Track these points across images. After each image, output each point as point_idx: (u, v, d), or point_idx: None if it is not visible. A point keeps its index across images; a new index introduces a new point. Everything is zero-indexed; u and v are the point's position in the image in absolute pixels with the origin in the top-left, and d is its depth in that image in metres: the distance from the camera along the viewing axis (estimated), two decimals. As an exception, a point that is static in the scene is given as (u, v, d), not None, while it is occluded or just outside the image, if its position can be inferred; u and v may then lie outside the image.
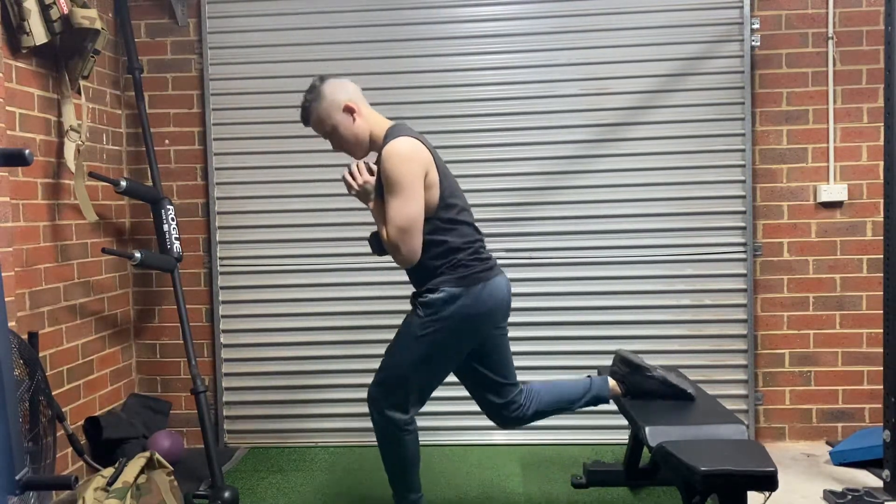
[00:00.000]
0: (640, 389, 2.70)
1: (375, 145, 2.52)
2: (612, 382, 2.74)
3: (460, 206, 2.51)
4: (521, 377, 3.70)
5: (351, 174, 2.48)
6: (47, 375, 2.83)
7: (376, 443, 2.59)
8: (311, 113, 2.53)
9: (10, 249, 2.66)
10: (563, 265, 3.60)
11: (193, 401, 3.26)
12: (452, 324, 2.45)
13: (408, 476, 2.59)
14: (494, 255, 3.54)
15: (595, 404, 2.76)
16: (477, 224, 2.59)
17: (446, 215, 2.46)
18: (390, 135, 2.45)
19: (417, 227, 2.38)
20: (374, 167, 2.49)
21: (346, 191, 2.52)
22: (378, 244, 2.54)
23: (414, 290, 2.56)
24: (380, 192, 2.45)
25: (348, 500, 3.04)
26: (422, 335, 2.46)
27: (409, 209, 2.36)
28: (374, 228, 2.52)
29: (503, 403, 2.65)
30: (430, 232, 2.43)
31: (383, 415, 2.51)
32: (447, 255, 2.45)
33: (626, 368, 2.73)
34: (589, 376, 2.78)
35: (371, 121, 2.53)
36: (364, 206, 2.51)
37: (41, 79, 2.99)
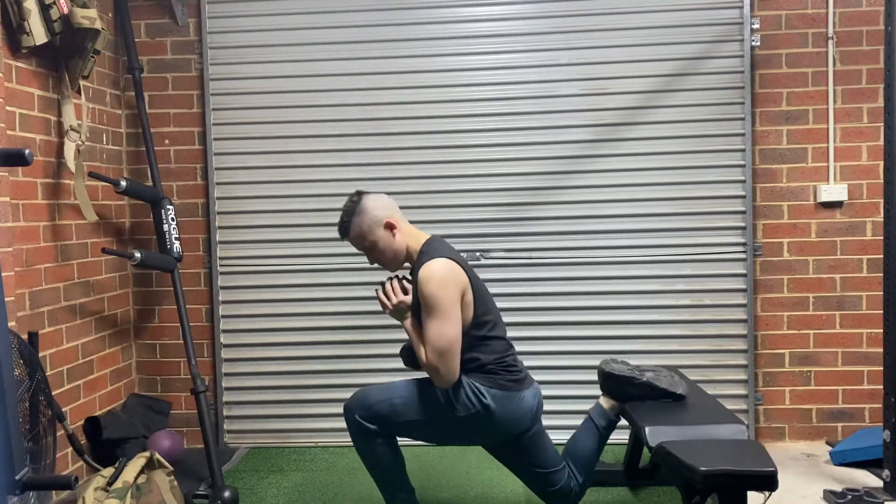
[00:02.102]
0: (632, 398, 2.70)
1: (410, 258, 2.55)
2: (604, 402, 2.75)
3: (493, 321, 2.52)
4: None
5: (385, 294, 2.51)
6: (47, 375, 2.83)
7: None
8: (352, 228, 2.54)
9: (10, 249, 2.66)
10: (563, 265, 3.60)
11: (193, 401, 3.26)
12: (471, 414, 2.44)
13: (391, 477, 2.57)
14: (494, 255, 3.58)
15: (612, 429, 2.76)
16: (506, 332, 2.59)
17: (478, 333, 2.46)
18: (426, 252, 2.46)
19: (456, 349, 2.39)
20: (408, 285, 2.51)
21: (380, 309, 2.56)
22: (411, 358, 2.55)
23: None
24: (415, 310, 2.47)
25: (348, 500, 3.04)
26: (438, 408, 2.45)
27: (447, 332, 2.36)
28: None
29: (557, 490, 2.63)
30: (462, 349, 2.43)
31: (354, 419, 2.48)
32: (478, 369, 2.47)
33: (613, 383, 2.72)
34: (588, 415, 2.77)
35: (408, 236, 2.55)
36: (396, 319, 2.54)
37: (41, 79, 2.99)
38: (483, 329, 2.47)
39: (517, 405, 2.48)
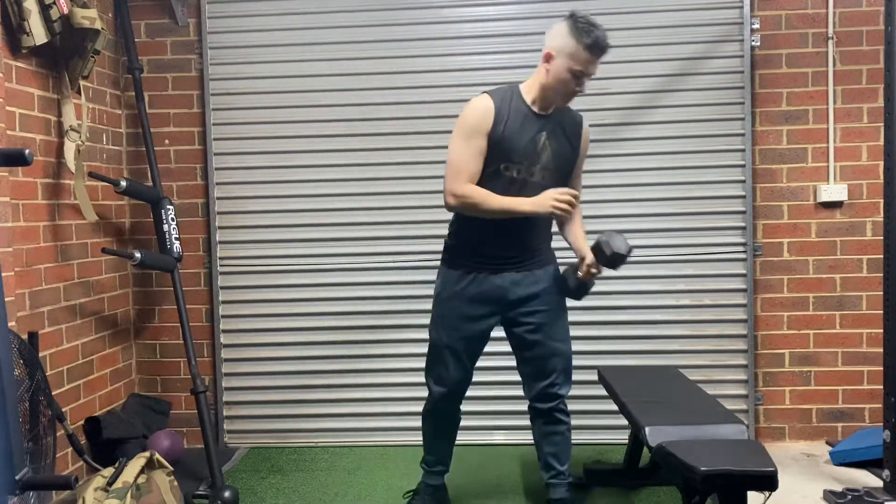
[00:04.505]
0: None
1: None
2: None
3: None
4: (520, 377, 3.70)
5: (562, 201, 2.54)
6: (47, 375, 2.83)
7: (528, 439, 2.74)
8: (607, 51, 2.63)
9: (10, 249, 2.66)
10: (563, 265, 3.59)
11: (193, 401, 3.25)
12: None
13: None
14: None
15: None
16: None
17: None
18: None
19: None
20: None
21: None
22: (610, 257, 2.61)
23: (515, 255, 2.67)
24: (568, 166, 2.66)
25: (348, 500, 3.04)
26: (567, 308, 2.75)
27: None
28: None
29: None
30: None
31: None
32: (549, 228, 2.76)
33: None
34: None
35: None
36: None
37: (41, 79, 2.99)
38: None
39: None
